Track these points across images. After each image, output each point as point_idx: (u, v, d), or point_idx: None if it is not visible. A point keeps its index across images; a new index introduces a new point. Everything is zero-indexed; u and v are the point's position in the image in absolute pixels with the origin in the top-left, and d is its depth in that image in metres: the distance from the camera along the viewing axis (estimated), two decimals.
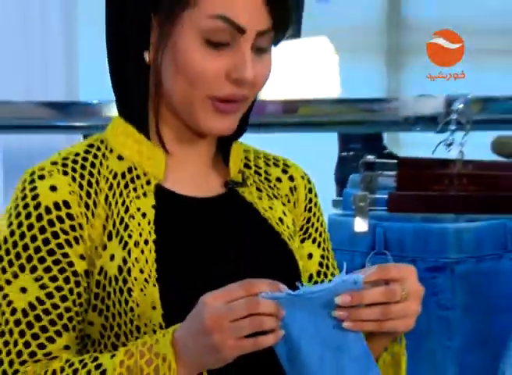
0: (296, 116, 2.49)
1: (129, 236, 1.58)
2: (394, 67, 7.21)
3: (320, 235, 1.75)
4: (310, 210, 1.75)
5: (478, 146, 2.65)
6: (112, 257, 1.57)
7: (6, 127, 2.53)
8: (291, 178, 1.73)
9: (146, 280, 1.56)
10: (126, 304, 1.55)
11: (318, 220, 1.75)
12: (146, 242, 1.59)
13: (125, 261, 1.56)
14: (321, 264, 1.73)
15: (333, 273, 1.77)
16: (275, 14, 1.57)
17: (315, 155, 3.87)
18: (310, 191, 1.75)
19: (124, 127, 1.65)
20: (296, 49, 4.31)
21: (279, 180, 1.73)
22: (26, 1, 2.75)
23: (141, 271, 1.56)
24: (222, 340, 1.44)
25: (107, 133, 1.65)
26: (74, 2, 2.80)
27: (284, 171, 1.73)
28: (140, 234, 1.59)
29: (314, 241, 1.73)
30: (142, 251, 1.58)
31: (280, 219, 1.69)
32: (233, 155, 1.70)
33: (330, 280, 1.58)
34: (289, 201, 1.74)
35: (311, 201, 1.75)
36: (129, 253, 1.57)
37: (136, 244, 1.58)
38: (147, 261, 1.58)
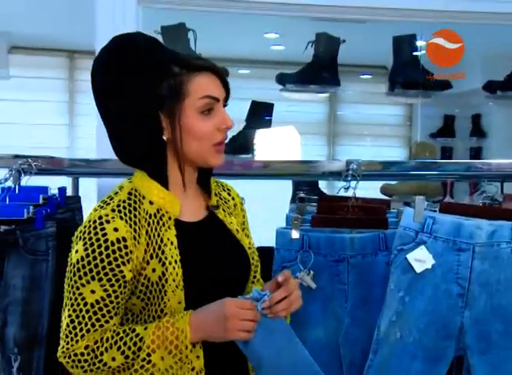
0: (269, 169, 2.41)
1: (166, 258, 1.56)
2: (331, 145, 7.28)
3: (248, 230, 1.78)
4: (243, 217, 1.79)
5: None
6: (154, 270, 1.55)
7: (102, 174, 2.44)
8: (233, 198, 1.78)
9: (176, 286, 1.55)
10: (162, 299, 1.55)
11: (247, 221, 1.80)
12: (175, 262, 1.56)
13: (163, 273, 1.55)
14: (249, 248, 1.74)
15: (254, 251, 1.76)
16: (225, 89, 1.62)
17: (280, 192, 3.86)
18: (241, 204, 1.80)
19: (149, 181, 1.61)
20: (276, 133, 4.35)
21: (228, 200, 1.76)
22: None
23: (174, 280, 1.55)
24: (233, 327, 1.50)
25: (136, 184, 1.62)
26: None
27: (228, 193, 1.78)
28: (172, 256, 1.56)
29: (245, 234, 1.76)
30: (174, 268, 1.56)
31: (237, 230, 1.73)
32: (212, 188, 1.72)
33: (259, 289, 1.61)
34: (237, 214, 1.76)
35: (243, 210, 1.79)
36: (166, 269, 1.55)
37: (170, 263, 1.56)
38: (177, 274, 1.56)
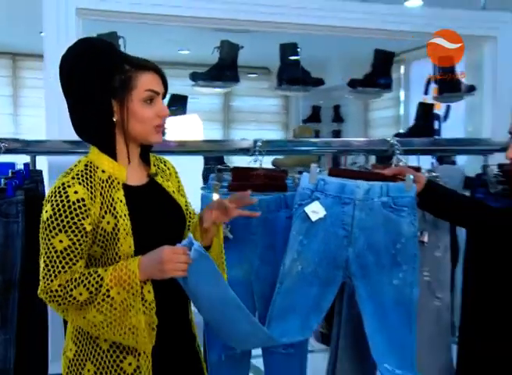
0: (184, 148, 2.41)
1: (117, 212, 1.60)
2: (226, 129, 7.35)
3: (184, 192, 1.80)
4: (178, 182, 1.81)
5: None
6: (108, 222, 1.59)
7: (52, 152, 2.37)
8: (168, 168, 1.81)
9: (127, 234, 1.59)
10: (116, 245, 1.59)
11: (182, 186, 1.82)
12: (125, 215, 1.60)
13: (116, 225, 1.59)
14: (186, 206, 1.80)
15: (189, 208, 1.80)
16: (164, 86, 1.66)
17: (194, 167, 3.86)
18: (176, 173, 1.82)
19: (100, 154, 1.64)
20: (184, 119, 4.34)
21: (164, 169, 1.79)
22: None
23: (124, 229, 1.59)
24: (169, 268, 1.54)
25: (91, 158, 1.65)
26: None
27: (164, 164, 1.80)
28: (122, 211, 1.60)
29: (181, 195, 1.81)
30: (123, 220, 1.60)
31: (173, 191, 1.75)
32: (151, 160, 1.75)
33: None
34: (173, 181, 1.79)
35: (177, 177, 1.81)
36: (118, 221, 1.59)
37: (120, 216, 1.60)
38: (126, 224, 1.60)
